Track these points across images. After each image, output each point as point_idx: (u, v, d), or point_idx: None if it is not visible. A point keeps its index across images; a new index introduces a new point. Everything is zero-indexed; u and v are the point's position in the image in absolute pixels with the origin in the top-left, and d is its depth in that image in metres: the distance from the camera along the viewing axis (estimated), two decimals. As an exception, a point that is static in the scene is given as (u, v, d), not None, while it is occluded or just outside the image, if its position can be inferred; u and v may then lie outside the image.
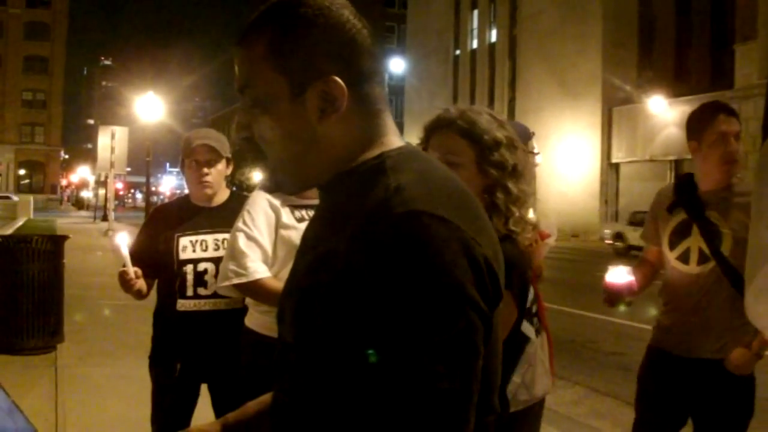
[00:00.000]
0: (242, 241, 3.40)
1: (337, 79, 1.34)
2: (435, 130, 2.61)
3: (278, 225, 3.45)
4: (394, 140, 1.42)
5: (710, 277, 3.51)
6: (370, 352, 1.19)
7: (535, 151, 3.67)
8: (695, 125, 3.67)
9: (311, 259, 1.39)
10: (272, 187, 3.54)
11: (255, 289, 3.39)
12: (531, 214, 2.71)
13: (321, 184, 1.44)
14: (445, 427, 1.16)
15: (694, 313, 3.55)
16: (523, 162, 2.64)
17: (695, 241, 3.58)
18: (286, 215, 3.46)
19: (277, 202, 3.47)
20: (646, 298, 3.91)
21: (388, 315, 1.17)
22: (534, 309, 3.42)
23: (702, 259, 3.55)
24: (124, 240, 3.64)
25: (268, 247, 3.43)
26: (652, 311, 3.79)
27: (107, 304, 11.32)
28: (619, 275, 3.58)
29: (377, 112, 1.41)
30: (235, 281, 3.38)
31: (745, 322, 3.38)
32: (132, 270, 3.60)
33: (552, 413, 6.31)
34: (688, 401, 3.64)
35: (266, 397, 1.70)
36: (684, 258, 3.61)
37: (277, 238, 3.45)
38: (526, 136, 3.50)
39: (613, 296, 3.61)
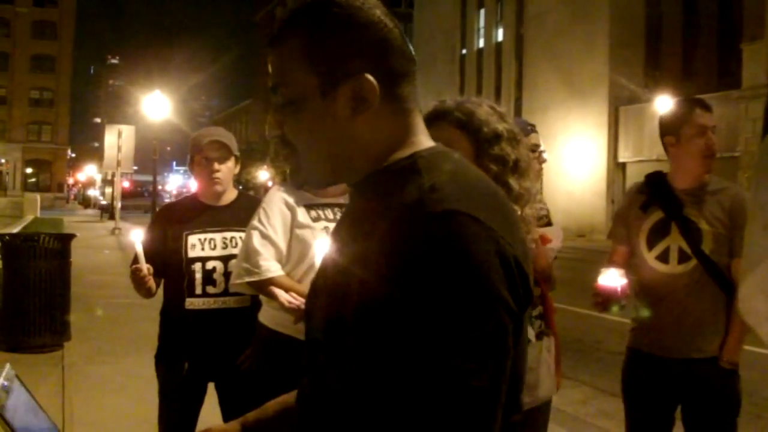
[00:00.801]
0: (256, 240, 3.41)
1: (369, 77, 1.34)
2: (431, 122, 2.45)
3: (293, 224, 3.45)
4: (424, 140, 1.43)
5: (692, 276, 3.49)
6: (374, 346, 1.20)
7: (541, 148, 3.65)
8: (672, 120, 3.65)
9: (342, 259, 1.39)
10: (301, 183, 3.54)
11: (268, 287, 3.40)
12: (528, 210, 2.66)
13: (353, 184, 1.45)
14: (474, 424, 1.17)
15: (679, 312, 3.52)
16: (526, 157, 2.53)
17: (674, 240, 3.55)
18: (302, 214, 3.46)
19: (292, 201, 3.47)
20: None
21: (421, 312, 1.17)
22: (537, 312, 3.41)
23: (682, 258, 3.52)
24: (138, 236, 3.65)
25: (283, 246, 3.44)
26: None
27: (114, 303, 11.34)
28: (612, 278, 3.48)
29: (408, 111, 1.41)
30: (248, 279, 3.40)
31: (731, 318, 3.41)
32: (145, 267, 3.61)
33: (559, 413, 6.31)
34: (676, 401, 3.64)
35: (286, 397, 1.70)
36: (663, 257, 3.58)
37: (292, 237, 3.45)
38: (526, 130, 3.48)
39: (607, 301, 3.50)
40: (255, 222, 3.47)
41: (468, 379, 1.16)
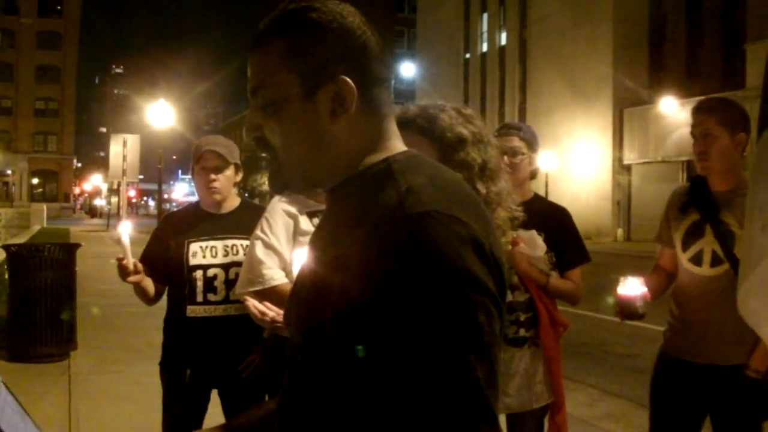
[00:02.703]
0: (260, 249, 3.41)
1: (347, 79, 1.38)
2: None
3: (296, 232, 3.46)
4: (397, 145, 1.47)
5: (723, 280, 3.42)
6: (359, 347, 1.23)
7: (522, 151, 3.62)
8: None
9: (321, 263, 1.42)
10: (281, 186, 3.55)
11: (273, 296, 3.40)
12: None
13: (329, 189, 1.48)
14: (481, 414, 1.20)
15: (707, 317, 3.47)
16: (496, 159, 2.48)
17: (708, 242, 3.49)
18: (304, 222, 3.46)
19: (294, 210, 3.48)
20: (659, 299, 3.84)
21: (411, 312, 1.20)
22: (523, 317, 3.41)
23: (715, 261, 3.46)
24: (126, 229, 3.65)
25: (286, 254, 3.44)
26: (666, 313, 3.73)
27: (120, 312, 11.35)
28: (632, 287, 3.45)
29: (383, 116, 1.46)
30: (252, 289, 3.39)
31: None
32: (131, 261, 3.61)
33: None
34: (703, 407, 3.57)
35: (270, 403, 1.72)
36: (696, 259, 3.53)
37: (295, 245, 3.45)
38: (501, 132, 3.50)
39: (627, 309, 3.48)
40: (258, 231, 3.48)
41: (471, 371, 1.19)
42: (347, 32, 1.41)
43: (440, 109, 2.44)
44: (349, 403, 1.26)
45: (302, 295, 1.45)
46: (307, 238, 3.40)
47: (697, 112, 3.57)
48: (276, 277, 3.38)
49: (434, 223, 1.24)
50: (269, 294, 3.39)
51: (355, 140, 1.42)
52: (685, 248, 3.60)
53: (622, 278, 3.50)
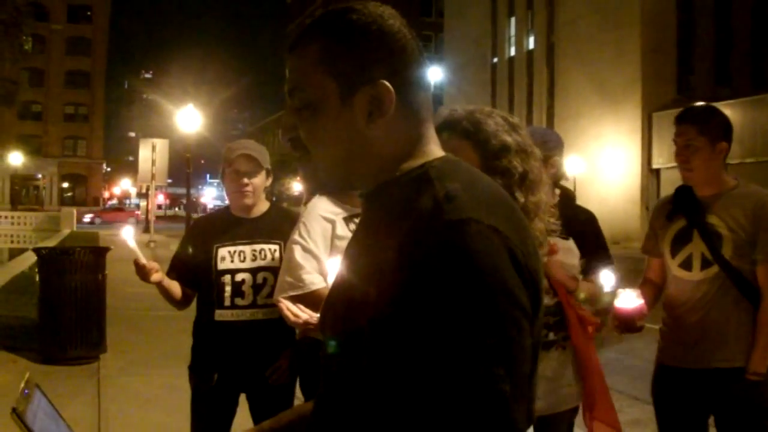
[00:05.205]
0: (298, 253, 3.41)
1: (386, 83, 1.37)
2: (439, 131, 2.40)
3: (333, 236, 3.46)
4: (435, 150, 1.46)
5: (714, 283, 3.48)
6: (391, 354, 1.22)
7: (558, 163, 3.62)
8: None
9: (356, 269, 1.41)
10: (315, 188, 3.55)
11: (312, 300, 3.39)
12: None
13: (364, 194, 1.47)
14: (504, 428, 1.19)
15: (702, 320, 3.50)
16: (537, 170, 2.45)
17: (697, 247, 3.54)
18: (341, 226, 3.46)
19: (331, 214, 3.48)
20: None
21: (443, 320, 1.18)
22: (549, 321, 3.39)
23: (705, 264, 3.51)
24: (129, 233, 3.67)
25: (324, 259, 3.43)
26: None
27: (149, 315, 11.42)
28: (629, 300, 3.43)
29: (421, 120, 1.45)
30: (292, 293, 3.38)
31: (756, 328, 3.39)
32: (144, 260, 3.63)
33: (593, 422, 6.25)
34: (707, 412, 3.61)
35: (301, 407, 1.72)
36: (686, 265, 3.57)
37: (332, 250, 3.45)
38: (556, 144, 3.49)
39: (625, 323, 3.45)
40: (296, 236, 3.47)
41: (497, 384, 1.18)
42: (387, 35, 1.39)
43: (487, 114, 2.41)
44: (382, 410, 1.25)
45: (337, 302, 1.44)
46: (344, 243, 3.41)
47: (679, 121, 3.62)
48: (316, 281, 3.38)
49: (472, 232, 1.22)
50: (309, 298, 3.37)
51: (391, 144, 1.41)
52: (674, 254, 3.65)
53: (619, 290, 3.48)
